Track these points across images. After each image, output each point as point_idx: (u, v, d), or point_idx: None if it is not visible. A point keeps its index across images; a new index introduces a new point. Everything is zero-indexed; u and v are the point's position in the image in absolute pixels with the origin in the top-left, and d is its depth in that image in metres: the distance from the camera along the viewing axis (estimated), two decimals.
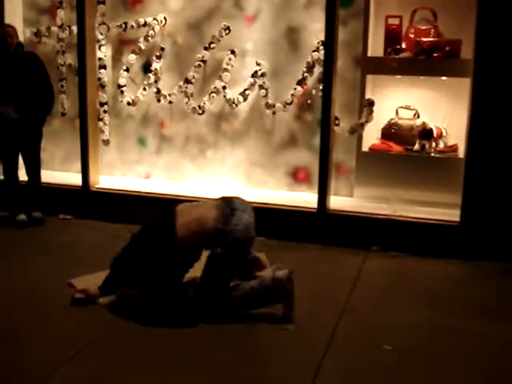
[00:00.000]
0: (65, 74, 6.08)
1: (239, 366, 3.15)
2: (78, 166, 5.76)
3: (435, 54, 4.91)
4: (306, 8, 5.35)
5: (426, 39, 4.98)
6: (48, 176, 5.68)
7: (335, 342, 3.39)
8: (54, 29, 6.04)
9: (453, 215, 4.77)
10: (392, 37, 5.07)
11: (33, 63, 5.36)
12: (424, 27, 5.09)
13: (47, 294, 3.97)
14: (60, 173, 6.14)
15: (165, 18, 5.71)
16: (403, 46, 5.08)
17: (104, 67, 5.91)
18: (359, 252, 4.79)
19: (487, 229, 4.70)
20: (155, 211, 5.41)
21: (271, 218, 5.14)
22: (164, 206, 5.37)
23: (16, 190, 5.49)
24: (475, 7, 4.55)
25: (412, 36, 5.07)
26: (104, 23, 5.80)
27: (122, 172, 6.14)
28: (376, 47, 5.12)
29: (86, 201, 5.73)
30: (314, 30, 5.27)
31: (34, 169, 5.49)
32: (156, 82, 5.81)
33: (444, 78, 5.06)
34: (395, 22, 5.07)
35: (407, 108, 5.27)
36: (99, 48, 5.84)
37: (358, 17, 5.14)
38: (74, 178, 5.86)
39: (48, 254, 4.74)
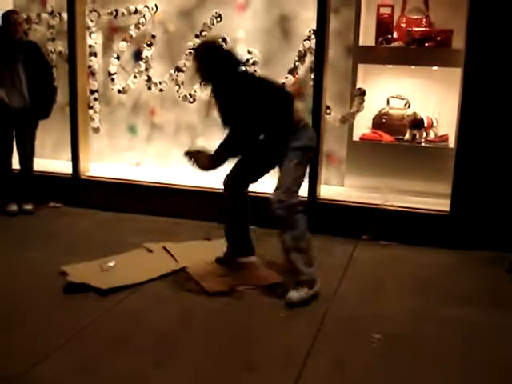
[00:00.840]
0: (55, 62, 6.02)
1: (226, 354, 3.16)
2: (69, 153, 5.73)
3: (426, 44, 4.91)
4: None
5: (417, 29, 4.98)
6: (38, 164, 5.65)
7: (324, 331, 3.41)
8: (45, 15, 5.99)
9: (443, 205, 4.80)
10: (383, 26, 5.07)
11: (35, 52, 5.33)
12: (415, 17, 5.11)
13: (37, 282, 3.96)
14: (50, 161, 6.11)
15: (156, 6, 5.68)
16: (395, 35, 5.10)
17: (94, 54, 5.87)
18: (350, 241, 4.81)
19: (477, 218, 4.72)
20: (145, 199, 5.46)
21: (262, 207, 5.13)
22: (153, 194, 5.45)
23: (8, 179, 5.45)
24: None
25: (403, 26, 5.08)
26: (95, 10, 5.76)
27: (113, 159, 6.11)
28: (367, 36, 5.12)
29: (76, 189, 5.71)
30: (306, 18, 5.25)
31: (27, 159, 5.46)
32: (147, 69, 5.78)
33: (435, 67, 5.07)
34: (387, 11, 5.08)
35: (398, 98, 5.28)
36: (90, 35, 5.79)
37: (350, 6, 5.13)
38: (64, 166, 5.84)
39: (38, 241, 4.72)
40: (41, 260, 4.32)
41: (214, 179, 5.48)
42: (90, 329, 3.38)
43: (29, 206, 5.44)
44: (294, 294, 3.69)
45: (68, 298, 3.75)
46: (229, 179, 4.07)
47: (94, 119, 5.96)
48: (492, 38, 4.49)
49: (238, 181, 4.06)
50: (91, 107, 5.91)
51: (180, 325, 3.46)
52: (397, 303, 3.78)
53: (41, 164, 5.73)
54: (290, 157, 3.73)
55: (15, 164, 5.48)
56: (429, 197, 4.94)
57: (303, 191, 4.98)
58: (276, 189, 3.74)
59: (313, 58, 5.08)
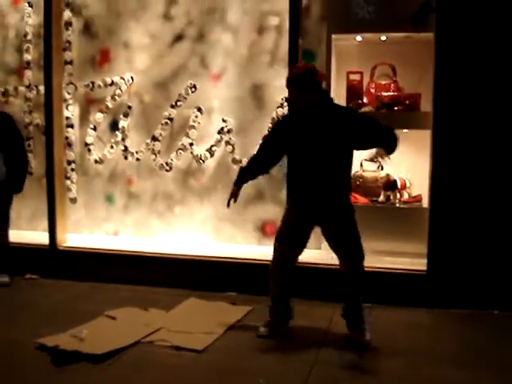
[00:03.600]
0: (32, 134, 6.10)
1: None
2: (45, 224, 5.73)
3: (396, 108, 5.05)
4: (270, 65, 5.50)
5: (386, 94, 5.13)
6: (15, 235, 5.62)
7: None
8: (22, 88, 6.09)
9: (419, 264, 4.83)
10: (354, 92, 5.21)
11: (8, 125, 5.36)
12: (384, 82, 5.26)
13: (14, 357, 3.84)
14: (27, 232, 6.08)
15: (132, 77, 5.81)
16: (365, 100, 5.23)
17: (71, 126, 5.96)
18: (328, 304, 4.78)
19: (454, 277, 4.75)
20: (123, 268, 5.43)
21: (241, 273, 5.14)
22: (132, 263, 5.42)
23: None
24: (432, 62, 4.73)
25: (373, 91, 5.23)
26: (71, 83, 5.88)
27: (90, 230, 6.10)
28: (338, 102, 5.22)
29: (52, 260, 5.67)
30: (278, 86, 5.37)
31: (2, 230, 5.42)
32: (123, 139, 5.86)
33: (405, 130, 5.18)
34: (356, 77, 5.23)
35: (371, 160, 5.38)
36: (66, 107, 5.89)
37: None
38: (41, 237, 5.81)
39: (13, 314, 4.63)
40: (16, 334, 4.21)
41: (193, 247, 5.53)
42: None
43: (5, 279, 5.37)
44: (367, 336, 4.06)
45: (47, 373, 3.64)
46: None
47: (71, 189, 5.98)
48: (458, 100, 4.65)
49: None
50: (68, 177, 5.95)
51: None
52: (376, 364, 3.75)
53: (17, 235, 5.69)
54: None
55: None
56: (405, 257, 4.98)
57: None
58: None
59: None
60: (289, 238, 4.17)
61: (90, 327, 4.25)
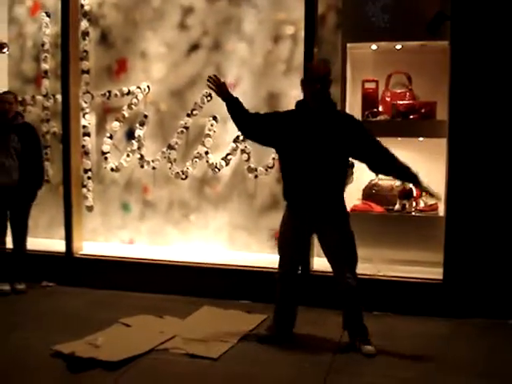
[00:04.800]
0: (49, 142, 6.16)
1: None
2: (62, 232, 5.76)
3: (411, 116, 5.03)
4: (285, 75, 5.52)
5: (401, 102, 5.12)
6: (32, 243, 5.66)
7: None
8: (39, 98, 6.16)
9: (435, 273, 4.80)
10: (369, 100, 5.21)
11: (30, 135, 5.42)
12: (399, 91, 5.25)
13: (30, 363, 3.86)
14: (44, 240, 6.12)
15: (148, 87, 5.85)
16: (380, 109, 5.22)
17: (88, 134, 6.00)
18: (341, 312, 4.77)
19: (470, 286, 4.72)
20: (138, 276, 5.45)
21: (255, 281, 5.14)
22: (147, 271, 5.44)
23: (1, 258, 5.44)
24: (448, 70, 4.71)
25: (388, 99, 5.22)
26: (88, 92, 5.93)
27: (106, 238, 6.13)
28: (354, 110, 5.24)
29: (69, 268, 5.70)
30: (294, 95, 5.37)
31: (20, 238, 5.47)
32: (139, 148, 5.90)
33: (421, 138, 5.18)
34: (371, 86, 5.23)
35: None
36: (83, 116, 5.94)
37: (336, 81, 5.25)
38: (57, 245, 5.84)
39: (29, 322, 4.66)
40: (33, 341, 4.22)
41: (208, 255, 5.54)
42: None
43: (21, 286, 5.41)
44: (371, 348, 4.00)
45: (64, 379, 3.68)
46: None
47: (87, 197, 6.02)
48: (474, 108, 4.64)
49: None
50: (85, 186, 5.99)
51: None
52: (394, 375, 3.70)
53: (34, 243, 5.74)
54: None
55: (8, 243, 5.48)
56: (421, 265, 4.95)
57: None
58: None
59: None
60: (287, 248, 4.18)
61: (105, 334, 4.27)
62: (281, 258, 4.23)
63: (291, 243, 4.16)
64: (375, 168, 4.18)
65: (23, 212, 5.46)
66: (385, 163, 4.06)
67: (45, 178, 5.68)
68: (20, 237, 5.47)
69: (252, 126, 4.19)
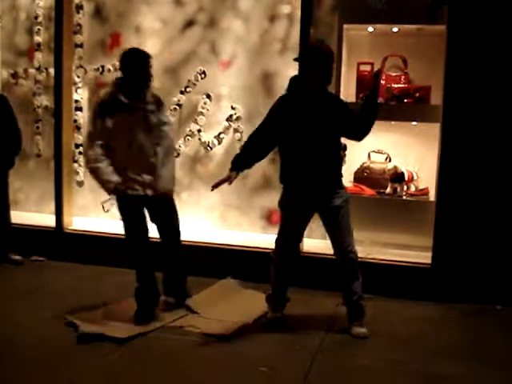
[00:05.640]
0: (41, 116, 6.11)
1: None
2: (53, 207, 5.75)
3: (405, 100, 5.02)
4: (280, 54, 5.48)
5: (396, 85, 5.11)
6: (23, 217, 5.64)
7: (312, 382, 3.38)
8: (32, 71, 6.10)
9: (425, 257, 4.84)
10: (364, 83, 5.17)
11: (1, 104, 5.41)
12: (394, 74, 5.24)
13: (21, 339, 3.88)
14: (35, 214, 6.11)
15: None
16: None
17: (80, 109, 5.96)
18: (333, 294, 4.79)
19: (458, 271, 4.76)
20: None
21: (246, 260, 5.16)
22: None
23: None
24: (444, 55, 4.70)
25: (383, 82, 5.19)
26: (81, 66, 5.87)
27: (96, 214, 6.11)
28: (348, 93, 5.24)
29: (59, 242, 5.70)
30: (288, 75, 5.32)
31: (1, 205, 5.46)
32: None
33: (414, 123, 5.18)
34: (367, 68, 5.20)
35: (379, 152, 5.38)
36: (76, 90, 5.89)
37: None
38: (48, 220, 5.83)
39: (20, 296, 4.67)
40: (23, 315, 4.25)
41: (200, 233, 5.54)
42: None
43: (17, 257, 5.45)
44: (363, 330, 4.06)
45: (56, 356, 3.66)
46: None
47: (78, 173, 5.99)
48: (468, 93, 4.63)
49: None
50: (76, 161, 5.96)
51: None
52: (382, 358, 3.74)
53: (25, 217, 5.72)
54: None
55: None
56: (410, 249, 4.99)
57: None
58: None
59: None
60: (290, 234, 4.19)
61: (115, 310, 4.32)
62: (280, 244, 4.21)
63: (294, 230, 4.17)
64: (357, 136, 4.17)
65: (1, 179, 5.45)
66: (359, 125, 4.09)
67: (22, 143, 5.62)
68: (1, 203, 5.46)
69: (263, 148, 4.17)
